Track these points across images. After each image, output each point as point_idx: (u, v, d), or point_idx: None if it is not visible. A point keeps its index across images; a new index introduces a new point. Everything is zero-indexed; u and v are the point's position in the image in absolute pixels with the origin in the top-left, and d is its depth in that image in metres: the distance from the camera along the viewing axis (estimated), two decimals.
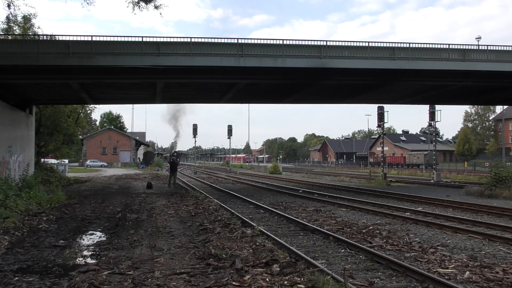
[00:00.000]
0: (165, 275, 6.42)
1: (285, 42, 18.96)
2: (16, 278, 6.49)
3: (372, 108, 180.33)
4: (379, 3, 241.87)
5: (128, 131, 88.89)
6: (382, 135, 34.96)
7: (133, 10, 17.82)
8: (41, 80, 20.01)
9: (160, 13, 30.24)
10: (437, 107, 31.30)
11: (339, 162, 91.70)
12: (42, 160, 32.21)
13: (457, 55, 20.27)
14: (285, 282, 5.77)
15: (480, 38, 28.48)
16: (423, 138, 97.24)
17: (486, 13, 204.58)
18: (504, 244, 9.16)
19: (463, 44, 20.59)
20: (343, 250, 8.62)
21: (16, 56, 17.34)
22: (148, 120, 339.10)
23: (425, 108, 32.06)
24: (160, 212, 13.92)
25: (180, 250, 8.20)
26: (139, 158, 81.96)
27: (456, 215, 13.68)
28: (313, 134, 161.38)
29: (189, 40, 18.56)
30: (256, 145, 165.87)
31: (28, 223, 11.49)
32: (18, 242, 9.31)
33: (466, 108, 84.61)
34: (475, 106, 78.99)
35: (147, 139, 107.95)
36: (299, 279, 5.88)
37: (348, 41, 19.54)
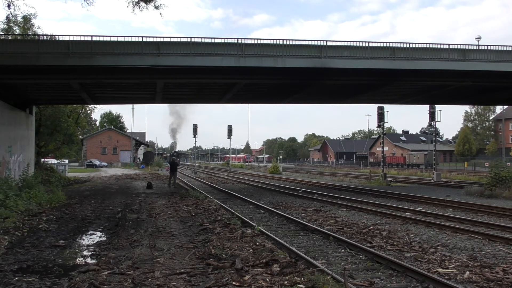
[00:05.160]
0: (165, 275, 6.42)
1: (285, 42, 18.97)
2: (16, 278, 6.49)
3: (372, 108, 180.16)
4: (379, 3, 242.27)
5: (128, 131, 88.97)
6: (382, 135, 34.95)
7: (133, 10, 17.87)
8: (41, 80, 20.01)
9: (160, 13, 29.82)
10: (437, 107, 31.28)
11: (339, 162, 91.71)
12: (42, 160, 32.21)
13: (457, 55, 20.27)
14: (285, 282, 5.77)
15: (480, 38, 28.45)
16: (423, 138, 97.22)
17: (486, 13, 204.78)
18: (504, 244, 9.16)
19: (463, 44, 20.62)
20: (343, 250, 8.62)
21: (16, 56, 17.33)
22: (148, 120, 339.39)
23: (425, 108, 32.06)
24: (160, 212, 13.92)
25: (180, 250, 8.19)
26: (139, 158, 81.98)
27: (456, 215, 13.67)
28: (313, 134, 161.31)
29: (189, 40, 18.56)
30: (256, 145, 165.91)
31: (28, 223, 11.49)
32: (18, 242, 9.31)
33: (466, 108, 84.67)
34: (475, 106, 78.94)
35: (147, 139, 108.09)
36: (299, 279, 5.88)
37: (348, 41, 19.58)
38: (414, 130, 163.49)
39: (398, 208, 15.22)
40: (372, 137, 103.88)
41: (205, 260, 7.23)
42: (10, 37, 21.19)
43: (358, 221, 12.53)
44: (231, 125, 52.76)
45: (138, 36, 19.16)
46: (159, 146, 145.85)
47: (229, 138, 53.70)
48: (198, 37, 19.27)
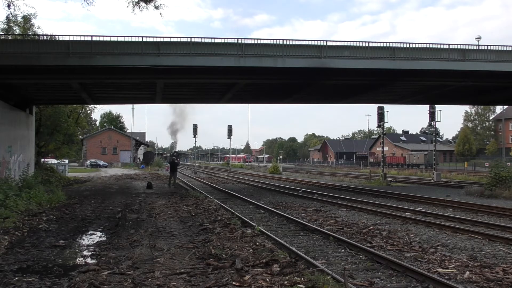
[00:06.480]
0: (165, 275, 6.42)
1: (285, 42, 18.96)
2: (16, 278, 6.49)
3: (372, 108, 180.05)
4: (379, 2, 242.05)
5: (128, 131, 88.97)
6: (382, 135, 34.96)
7: (133, 10, 17.81)
8: (41, 80, 20.01)
9: (160, 13, 29.57)
10: (437, 107, 31.32)
11: (339, 162, 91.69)
12: (42, 160, 32.21)
13: (457, 55, 20.26)
14: (285, 282, 5.77)
15: (480, 38, 28.40)
16: (423, 138, 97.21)
17: (486, 13, 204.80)
18: (504, 244, 9.16)
19: (463, 44, 20.61)
20: (343, 250, 8.62)
21: (16, 56, 17.33)
22: (148, 120, 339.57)
23: (425, 108, 32.10)
24: (160, 212, 13.92)
25: (180, 250, 8.19)
26: (139, 158, 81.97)
27: (456, 215, 13.67)
28: (313, 134, 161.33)
29: (189, 40, 18.56)
30: (256, 145, 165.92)
31: (28, 223, 11.49)
32: (18, 242, 9.31)
33: (466, 108, 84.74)
34: (475, 106, 78.98)
35: (147, 139, 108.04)
36: (299, 279, 5.88)
37: (348, 41, 19.57)
38: (414, 130, 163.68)
39: (398, 208, 15.22)
40: (372, 137, 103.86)
41: (205, 260, 7.23)
42: (10, 37, 21.20)
43: (358, 221, 12.53)
44: (231, 125, 52.87)
45: (138, 36, 19.19)
46: (159, 146, 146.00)
47: (229, 138, 53.78)
48: (198, 37, 19.29)
